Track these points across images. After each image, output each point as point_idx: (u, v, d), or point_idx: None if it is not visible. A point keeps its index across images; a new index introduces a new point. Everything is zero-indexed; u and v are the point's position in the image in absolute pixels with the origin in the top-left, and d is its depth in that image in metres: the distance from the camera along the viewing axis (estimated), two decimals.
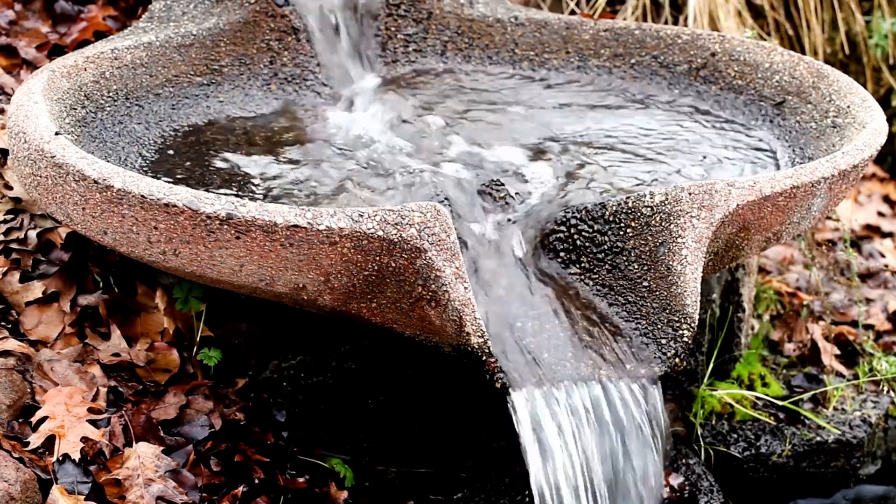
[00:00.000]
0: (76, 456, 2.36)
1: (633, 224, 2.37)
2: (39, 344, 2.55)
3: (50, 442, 2.37)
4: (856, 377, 3.09)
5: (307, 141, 2.74)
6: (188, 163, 2.60)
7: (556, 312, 2.37)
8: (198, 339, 2.60)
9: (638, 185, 2.59)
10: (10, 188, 2.69)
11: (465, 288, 2.19)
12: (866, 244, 3.68)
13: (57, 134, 2.30)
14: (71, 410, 2.42)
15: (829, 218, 3.49)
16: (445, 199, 2.49)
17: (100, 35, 3.05)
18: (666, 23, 3.67)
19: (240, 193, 2.49)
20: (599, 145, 2.76)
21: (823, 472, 2.91)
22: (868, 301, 3.42)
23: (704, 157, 2.71)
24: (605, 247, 2.40)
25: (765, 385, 2.99)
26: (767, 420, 2.91)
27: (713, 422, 2.90)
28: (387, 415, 2.63)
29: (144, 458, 2.40)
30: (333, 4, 2.98)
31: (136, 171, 2.54)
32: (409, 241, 2.19)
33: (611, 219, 2.40)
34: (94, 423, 2.42)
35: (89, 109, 2.57)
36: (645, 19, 3.66)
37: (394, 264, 2.21)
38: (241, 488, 2.43)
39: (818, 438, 2.89)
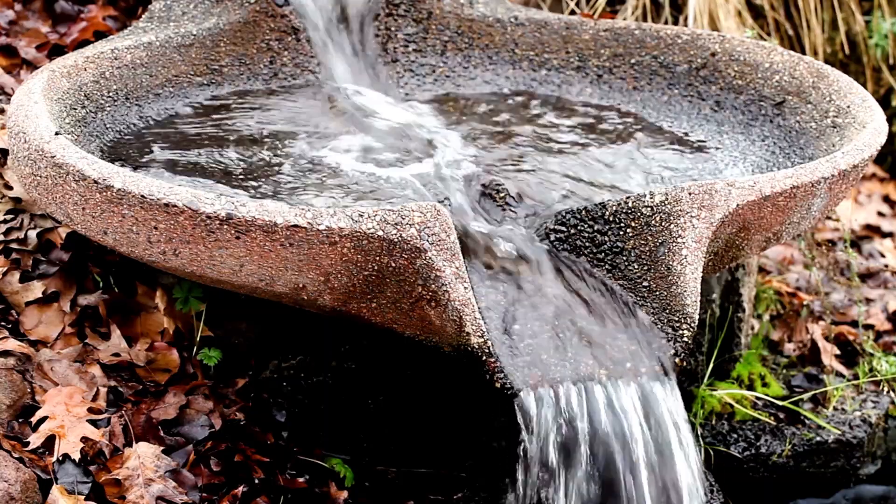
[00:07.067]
0: (76, 456, 2.35)
1: (633, 224, 2.37)
2: (39, 344, 2.55)
3: (50, 442, 2.37)
4: (856, 377, 3.09)
5: None
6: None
7: (555, 312, 2.36)
8: (198, 339, 2.60)
9: None
10: (10, 188, 2.69)
11: (465, 288, 2.19)
12: (866, 244, 3.68)
13: (57, 134, 2.30)
14: (71, 410, 2.42)
15: (829, 218, 3.49)
16: (446, 198, 2.50)
17: (100, 35, 3.05)
18: (666, 23, 3.67)
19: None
20: None
21: (823, 472, 2.91)
22: (868, 301, 3.41)
23: None
24: (605, 247, 2.40)
25: (765, 385, 2.99)
26: (767, 420, 2.91)
27: (713, 422, 2.90)
28: (387, 415, 2.62)
29: (144, 458, 2.40)
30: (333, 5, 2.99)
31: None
32: (409, 240, 2.19)
33: (611, 219, 2.40)
34: (94, 423, 2.42)
35: (89, 109, 2.57)
36: (645, 19, 3.66)
37: (394, 264, 2.21)
38: (241, 488, 2.43)
39: (818, 438, 2.89)
